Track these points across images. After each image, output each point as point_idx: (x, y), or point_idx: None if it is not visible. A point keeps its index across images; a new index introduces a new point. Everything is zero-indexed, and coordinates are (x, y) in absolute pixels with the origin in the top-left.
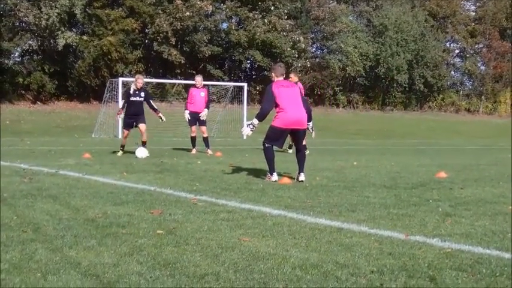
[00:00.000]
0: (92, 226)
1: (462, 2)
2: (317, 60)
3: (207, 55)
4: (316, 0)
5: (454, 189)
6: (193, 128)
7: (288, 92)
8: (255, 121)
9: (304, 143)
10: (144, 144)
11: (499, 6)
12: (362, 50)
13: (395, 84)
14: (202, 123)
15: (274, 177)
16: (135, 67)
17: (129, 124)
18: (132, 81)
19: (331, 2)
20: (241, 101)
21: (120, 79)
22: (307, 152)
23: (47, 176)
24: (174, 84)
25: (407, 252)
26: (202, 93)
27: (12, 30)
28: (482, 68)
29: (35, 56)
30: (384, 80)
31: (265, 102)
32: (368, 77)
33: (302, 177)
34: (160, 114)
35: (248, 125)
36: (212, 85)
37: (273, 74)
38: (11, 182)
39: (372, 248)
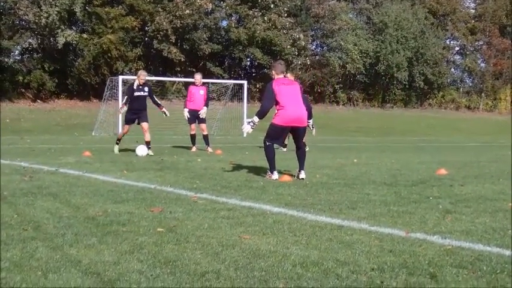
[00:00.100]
0: (93, 224)
1: None
2: (317, 57)
3: (207, 53)
4: None
5: (454, 186)
6: (193, 126)
7: (289, 90)
8: (256, 119)
9: (303, 140)
10: (147, 144)
11: (499, 4)
12: (362, 47)
13: (395, 82)
14: (202, 121)
15: (275, 175)
16: (135, 65)
17: (131, 120)
18: (132, 79)
19: None
20: (241, 99)
21: (120, 77)
22: (306, 149)
23: (47, 174)
24: (174, 82)
25: (408, 250)
26: (202, 91)
27: (12, 28)
28: (482, 65)
29: (35, 54)
30: (384, 78)
31: (265, 99)
32: (368, 75)
33: (302, 174)
34: (164, 109)
35: (248, 123)
36: (212, 83)
37: (273, 72)
38: (11, 180)
39: (372, 245)
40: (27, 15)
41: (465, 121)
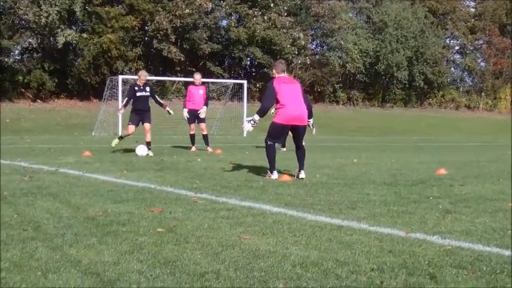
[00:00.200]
0: (92, 224)
1: None
2: (317, 57)
3: (206, 52)
4: None
5: (454, 186)
6: (192, 125)
7: (289, 88)
8: (256, 117)
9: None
10: (148, 144)
11: (498, 3)
12: (362, 46)
13: (395, 81)
14: (202, 120)
15: (275, 175)
16: (135, 65)
17: (135, 120)
18: (132, 79)
19: None
20: (241, 98)
21: (120, 77)
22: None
23: (47, 174)
24: (174, 81)
25: (408, 250)
26: (201, 91)
27: (12, 28)
28: (482, 64)
29: (34, 54)
30: (383, 77)
31: (266, 98)
32: (368, 74)
33: (302, 174)
34: (167, 108)
35: (249, 121)
36: (212, 82)
37: (274, 71)
38: (11, 180)
39: (372, 245)
40: (27, 14)
41: (465, 120)
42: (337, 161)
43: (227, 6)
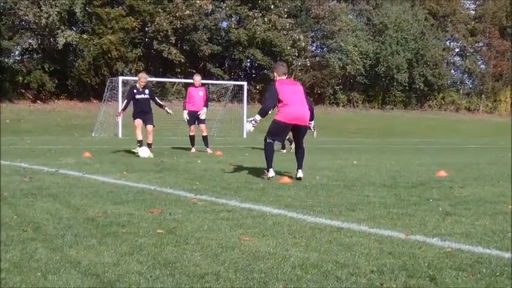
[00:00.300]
0: (92, 225)
1: (462, 0)
2: (317, 59)
3: (207, 54)
4: None
5: (454, 188)
6: (192, 127)
7: (292, 89)
8: (257, 117)
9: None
10: (149, 146)
11: (499, 5)
12: (362, 48)
13: (395, 83)
14: (201, 122)
15: (271, 173)
16: (135, 66)
17: (138, 118)
18: (132, 80)
19: (331, 0)
20: (241, 100)
21: (120, 78)
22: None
23: (47, 175)
24: (174, 83)
25: (407, 252)
26: (201, 92)
27: (12, 28)
28: (482, 66)
29: (35, 54)
30: (384, 79)
31: (268, 98)
32: (368, 76)
33: (300, 173)
34: (166, 109)
35: (250, 121)
36: (212, 84)
37: (274, 73)
38: (11, 181)
39: (371, 247)
40: (27, 15)
41: (465, 123)
42: (337, 163)
43: (227, 8)
